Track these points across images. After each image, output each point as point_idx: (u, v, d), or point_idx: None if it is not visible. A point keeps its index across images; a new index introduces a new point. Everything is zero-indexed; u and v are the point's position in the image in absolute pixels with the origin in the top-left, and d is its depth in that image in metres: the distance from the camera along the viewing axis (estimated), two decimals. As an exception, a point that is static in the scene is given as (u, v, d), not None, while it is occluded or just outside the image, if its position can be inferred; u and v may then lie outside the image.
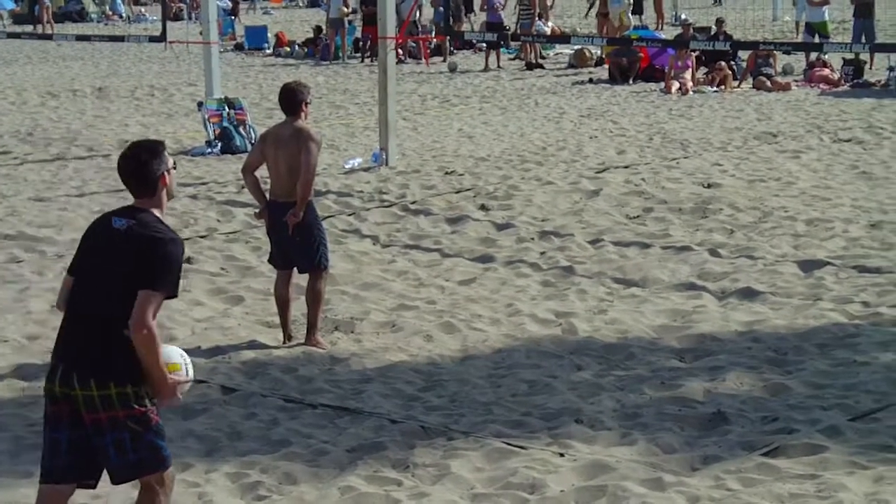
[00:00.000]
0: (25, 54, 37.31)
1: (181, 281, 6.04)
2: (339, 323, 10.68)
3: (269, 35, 39.30)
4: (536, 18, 33.08)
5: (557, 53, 33.89)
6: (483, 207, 15.11)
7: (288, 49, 37.18)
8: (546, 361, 9.67)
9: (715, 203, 14.88)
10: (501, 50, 32.49)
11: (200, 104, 20.78)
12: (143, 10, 54.85)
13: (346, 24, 35.82)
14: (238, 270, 12.48)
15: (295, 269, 10.22)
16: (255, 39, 39.04)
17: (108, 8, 54.62)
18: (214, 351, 9.88)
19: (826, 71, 26.62)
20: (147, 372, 5.87)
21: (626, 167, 17.47)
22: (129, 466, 5.94)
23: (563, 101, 25.09)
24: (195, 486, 7.52)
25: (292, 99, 10.17)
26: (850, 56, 26.65)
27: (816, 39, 27.84)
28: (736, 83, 26.43)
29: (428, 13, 37.83)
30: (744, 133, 20.30)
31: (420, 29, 35.04)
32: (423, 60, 31.29)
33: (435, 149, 19.57)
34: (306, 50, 36.48)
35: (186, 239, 13.61)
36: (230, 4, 45.46)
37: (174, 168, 6.07)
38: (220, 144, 19.64)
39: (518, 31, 31.79)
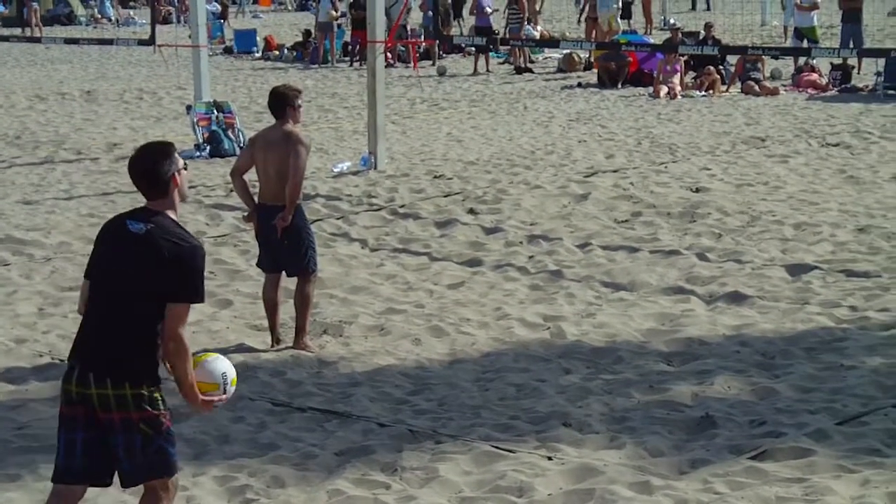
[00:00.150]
0: (13, 57, 37.31)
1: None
2: (328, 326, 10.68)
3: (258, 38, 39.34)
4: (525, 23, 33.12)
5: (546, 58, 33.95)
6: (472, 211, 15.12)
7: (277, 53, 37.21)
8: (534, 365, 9.68)
9: (703, 207, 14.90)
10: (490, 54, 32.54)
11: (189, 108, 20.77)
12: (131, 13, 54.89)
13: (336, 28, 35.82)
14: (226, 274, 12.48)
15: (283, 272, 10.22)
16: (245, 43, 39.06)
17: (96, 11, 54.65)
18: (203, 353, 9.85)
19: (814, 76, 26.68)
20: (177, 382, 5.94)
21: (614, 171, 17.49)
22: (137, 469, 5.95)
23: (551, 106, 25.12)
24: (183, 489, 7.49)
25: (280, 102, 10.17)
26: (838, 61, 26.72)
27: (805, 44, 27.91)
28: (724, 87, 26.48)
29: (417, 17, 37.82)
30: (732, 137, 20.33)
31: (409, 33, 35.04)
32: (413, 65, 31.28)
33: (424, 153, 19.58)
34: (295, 53, 36.51)
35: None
36: (219, 8, 45.52)
37: (185, 169, 6.08)
38: (208, 148, 19.64)
39: (507, 36, 31.81)
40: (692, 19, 41.17)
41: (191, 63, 21.19)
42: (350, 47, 35.10)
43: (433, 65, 32.97)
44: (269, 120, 10.70)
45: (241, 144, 18.73)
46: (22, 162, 19.48)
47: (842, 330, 10.36)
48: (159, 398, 5.92)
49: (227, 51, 39.09)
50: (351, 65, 34.07)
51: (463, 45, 34.10)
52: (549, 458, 7.81)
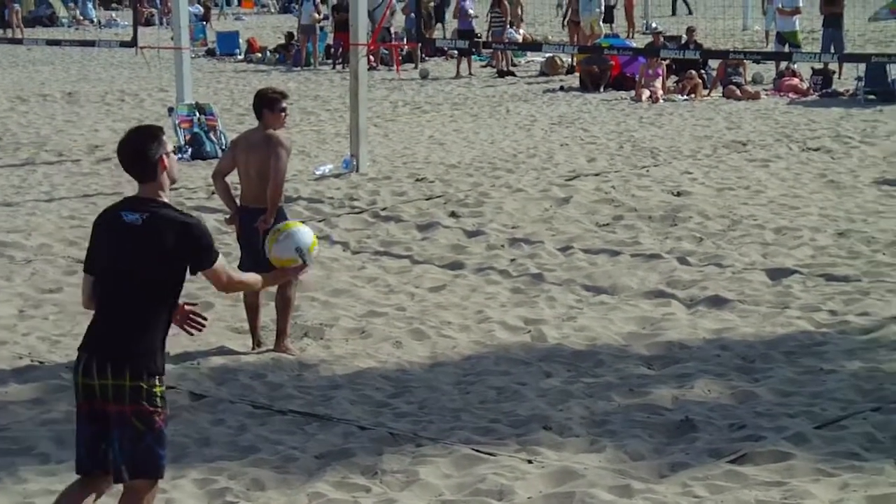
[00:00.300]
0: (-5, 59, 37.25)
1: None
2: (309, 329, 10.69)
3: (240, 41, 39.32)
4: (508, 26, 33.16)
5: (529, 61, 33.98)
6: (453, 214, 15.13)
7: (259, 55, 37.20)
8: (515, 368, 9.69)
9: (684, 211, 14.93)
10: (473, 57, 32.57)
11: (171, 109, 20.75)
12: (113, 15, 54.78)
13: (318, 31, 35.87)
14: (208, 276, 12.45)
15: (265, 274, 10.21)
16: (227, 45, 39.05)
17: (78, 13, 54.55)
18: (183, 357, 9.84)
19: (795, 80, 26.75)
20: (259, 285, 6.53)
21: (596, 175, 17.51)
22: (125, 465, 5.95)
23: (533, 109, 25.15)
24: (162, 491, 7.47)
25: (261, 105, 10.19)
26: (819, 66, 26.81)
27: (786, 49, 27.96)
28: (706, 92, 26.53)
29: (399, 20, 37.83)
30: (713, 141, 20.37)
31: (392, 36, 35.08)
32: (395, 67, 31.32)
33: (406, 155, 19.59)
34: (278, 56, 36.50)
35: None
36: (202, 10, 45.48)
37: (173, 152, 6.12)
38: (190, 150, 19.62)
39: (489, 39, 31.87)
40: (674, 23, 41.25)
41: (173, 65, 21.19)
42: (332, 50, 35.10)
43: (416, 68, 32.98)
44: (251, 122, 10.71)
45: (223, 147, 18.72)
46: (2, 163, 19.45)
47: (821, 334, 10.40)
48: (158, 395, 5.95)
49: (210, 53, 39.07)
50: (333, 67, 34.07)
51: (445, 49, 34.15)
52: (530, 462, 7.82)
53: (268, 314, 10.43)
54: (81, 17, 53.97)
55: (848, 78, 26.91)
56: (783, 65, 27.59)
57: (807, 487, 7.32)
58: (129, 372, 5.86)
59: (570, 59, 31.12)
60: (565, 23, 38.34)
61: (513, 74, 31.71)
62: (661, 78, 26.54)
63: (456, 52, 32.66)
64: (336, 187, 16.99)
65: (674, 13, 49.27)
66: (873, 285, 11.71)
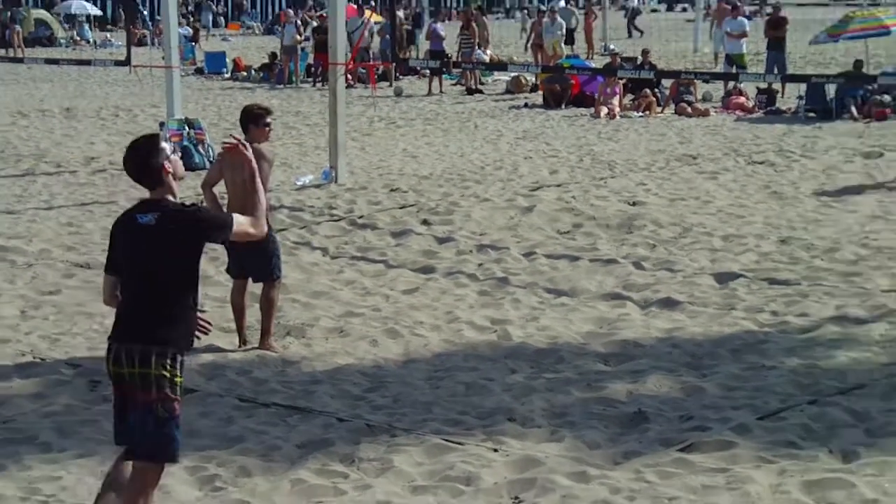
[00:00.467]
0: (-3, 76, 37.09)
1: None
2: (291, 328, 10.70)
3: (227, 60, 39.21)
4: (476, 47, 33.21)
5: (496, 80, 34.01)
6: (425, 222, 15.15)
7: (245, 73, 37.13)
8: (482, 365, 9.73)
9: (639, 220, 14.97)
10: (444, 76, 32.58)
11: (162, 124, 20.72)
12: (108, 35, 54.60)
13: (299, 51, 35.81)
14: (197, 279, 12.45)
15: (250, 278, 10.25)
16: (215, 64, 38.96)
17: (75, 34, 54.33)
18: (175, 354, 9.85)
19: (742, 99, 26.83)
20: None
21: (557, 186, 17.56)
22: (144, 447, 6.01)
23: (500, 124, 25.17)
24: (156, 478, 7.53)
25: (247, 120, 10.25)
26: (763, 85, 26.91)
27: (734, 70, 28.07)
28: (659, 109, 26.58)
29: (376, 42, 37.81)
30: (666, 155, 20.43)
31: (371, 56, 35.06)
32: (371, 85, 31.32)
33: (381, 167, 19.61)
34: (262, 74, 36.46)
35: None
36: (191, 31, 45.38)
37: (174, 153, 6.21)
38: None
39: (459, 59, 31.88)
40: (630, 46, 41.35)
41: (164, 83, 21.12)
42: (313, 69, 35.05)
43: (390, 86, 32.98)
44: (238, 135, 10.70)
45: (211, 158, 18.71)
46: (5, 174, 19.39)
47: (764, 333, 10.46)
48: (179, 385, 6.01)
49: (199, 71, 38.96)
50: (314, 85, 34.04)
51: (418, 68, 34.14)
52: (495, 451, 7.85)
53: (253, 315, 10.45)
54: (78, 38, 53.76)
55: (790, 97, 27.01)
56: (731, 84, 27.69)
57: (749, 473, 7.38)
58: (154, 361, 5.92)
59: (533, 79, 31.17)
60: (529, 44, 38.49)
61: (481, 92, 31.75)
62: (618, 96, 26.61)
63: (428, 71, 32.68)
64: (316, 197, 17.00)
65: (630, 36, 49.40)
66: (812, 288, 11.79)
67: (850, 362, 9.61)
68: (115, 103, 29.57)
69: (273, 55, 37.27)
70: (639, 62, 28.95)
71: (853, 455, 7.70)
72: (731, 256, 13.16)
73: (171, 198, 6.11)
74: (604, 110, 25.95)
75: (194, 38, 45.65)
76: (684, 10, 65.70)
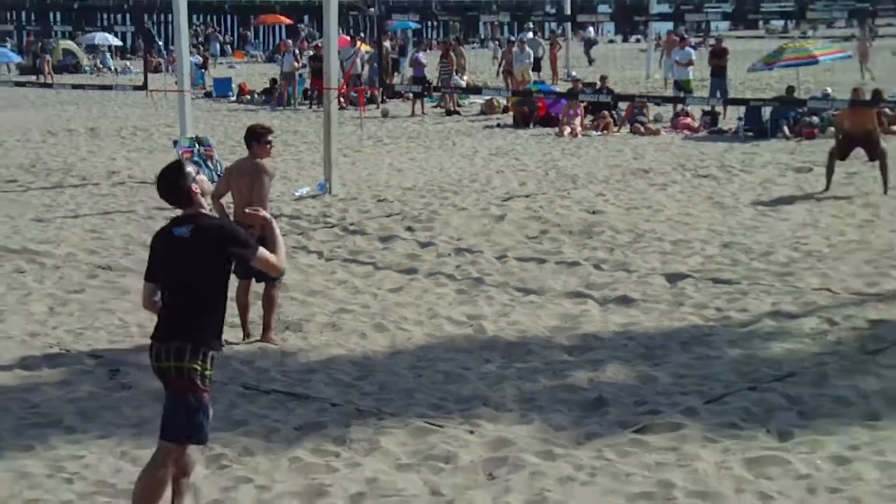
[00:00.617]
0: (29, 100, 36.92)
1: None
2: (290, 323, 10.67)
3: (233, 85, 39.13)
4: (454, 74, 33.21)
5: (471, 102, 33.94)
6: (409, 229, 15.13)
7: (249, 97, 37.03)
8: (459, 356, 9.71)
9: (598, 226, 14.98)
10: (425, 99, 32.55)
11: (175, 142, 20.65)
12: (128, 63, 54.42)
13: (297, 77, 35.74)
14: (206, 280, 12.41)
15: (253, 279, 10.21)
16: (222, 88, 38.86)
17: (99, 62, 54.16)
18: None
19: (689, 120, 26.87)
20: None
21: (526, 196, 17.56)
22: (176, 430, 6.06)
23: (475, 142, 25.16)
24: (169, 457, 7.49)
25: (251, 138, 10.25)
26: (707, 108, 26.95)
27: (682, 94, 28.11)
28: (616, 129, 26.60)
29: (365, 70, 37.73)
30: (622, 169, 20.45)
31: (362, 82, 35.01)
32: (360, 108, 31.31)
33: (370, 180, 19.58)
34: (264, 98, 36.35)
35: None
36: (201, 59, 45.25)
37: (198, 174, 6.21)
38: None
39: (439, 84, 31.87)
40: (590, 72, 41.39)
41: (177, 105, 21.08)
42: (309, 93, 34.96)
43: (378, 108, 32.94)
44: (242, 152, 10.70)
45: (219, 173, 18.64)
46: (36, 186, 19.33)
47: (709, 327, 10.47)
48: (209, 377, 6.05)
49: (207, 95, 38.82)
50: (310, 107, 33.94)
51: (402, 92, 34.10)
52: (471, 432, 7.84)
53: (256, 311, 10.42)
54: (101, 66, 53.57)
55: (731, 118, 27.05)
56: (679, 107, 27.73)
57: (696, 452, 7.39)
58: (188, 356, 5.96)
59: (505, 101, 31.15)
60: (501, 71, 38.48)
61: (458, 113, 31.71)
62: (579, 117, 26.62)
63: (411, 94, 32.63)
64: (312, 206, 16.97)
65: (590, 64, 49.44)
66: (750, 287, 11.80)
67: (785, 352, 9.63)
68: (134, 123, 29.48)
69: (274, 81, 37.19)
70: (598, 87, 28.96)
71: (788, 435, 7.71)
72: (679, 259, 13.17)
73: (203, 211, 6.15)
74: (567, 129, 25.96)
75: (204, 66, 45.51)
76: (638, 40, 65.81)
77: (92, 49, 55.65)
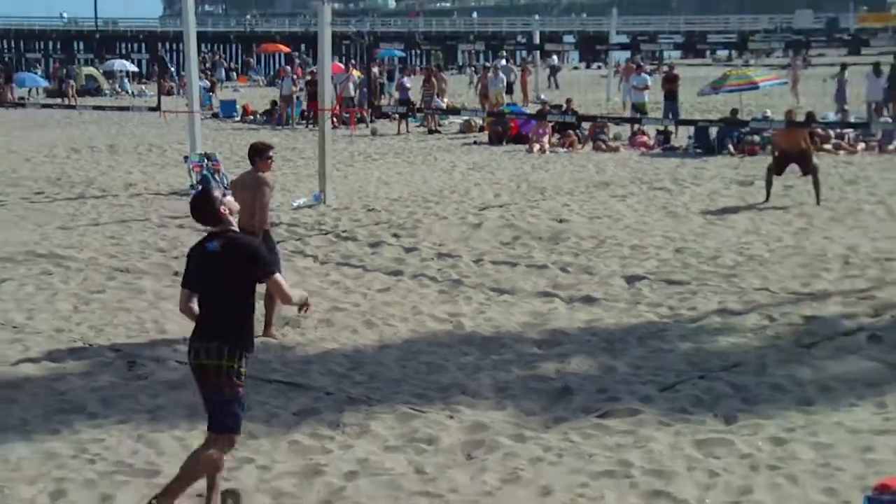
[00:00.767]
0: (55, 120, 36.74)
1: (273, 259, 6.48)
2: (289, 320, 10.63)
3: (237, 106, 38.99)
4: (435, 96, 33.21)
5: (451, 122, 33.89)
6: (395, 235, 15.12)
7: (251, 117, 36.93)
8: (441, 349, 9.71)
9: (565, 233, 14.99)
10: (410, 119, 32.53)
11: (186, 157, 20.63)
12: (143, 87, 54.26)
13: (295, 99, 35.66)
14: (214, 281, 12.38)
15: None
16: (227, 109, 38.72)
17: (117, 86, 53.97)
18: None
19: (645, 138, 26.89)
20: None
21: (500, 206, 17.56)
22: (215, 421, 6.14)
23: (454, 158, 25.14)
24: (181, 440, 7.48)
25: (254, 153, 10.26)
26: (661, 128, 27.00)
27: (638, 115, 28.14)
28: (580, 146, 26.60)
29: (356, 94, 37.67)
30: (586, 182, 20.47)
31: (355, 103, 34.95)
32: (352, 127, 31.25)
33: (360, 192, 19.55)
34: (265, 118, 36.25)
35: (175, 258, 13.56)
36: (209, 84, 45.12)
37: (225, 196, 6.33)
38: (200, 187, 19.44)
39: (422, 106, 31.84)
40: (557, 96, 41.40)
41: (187, 124, 21.04)
42: (306, 114, 34.87)
43: (367, 127, 32.89)
44: (246, 166, 10.68)
45: (225, 185, 18.58)
46: (61, 197, 19.25)
47: (663, 323, 10.49)
48: (243, 373, 6.14)
49: (215, 116, 38.64)
50: (306, 126, 33.80)
51: (389, 113, 34.05)
52: (451, 417, 7.85)
53: (258, 309, 10.35)
54: (119, 89, 53.38)
55: (682, 137, 27.09)
56: (636, 126, 27.74)
57: (651, 434, 7.41)
58: (226, 355, 6.06)
59: (481, 121, 31.16)
60: (478, 94, 38.47)
61: (439, 132, 31.68)
62: (547, 135, 26.62)
63: (397, 115, 32.58)
64: (308, 215, 16.94)
65: (557, 87, 49.46)
66: (700, 288, 11.83)
67: (730, 346, 9.66)
68: (149, 141, 29.37)
69: (274, 103, 37.06)
70: (564, 109, 28.97)
71: (733, 419, 7.74)
72: (636, 262, 13.19)
73: (232, 228, 6.23)
74: (536, 147, 25.98)
75: (211, 89, 45.38)
76: (599, 67, 65.86)
77: (111, 74, 55.47)
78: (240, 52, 77.98)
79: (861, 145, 24.38)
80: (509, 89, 39.64)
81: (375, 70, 39.07)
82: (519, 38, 71.84)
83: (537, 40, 46.73)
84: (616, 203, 17.84)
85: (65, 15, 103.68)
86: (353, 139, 28.49)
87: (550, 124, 27.02)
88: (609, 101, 40.63)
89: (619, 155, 25.25)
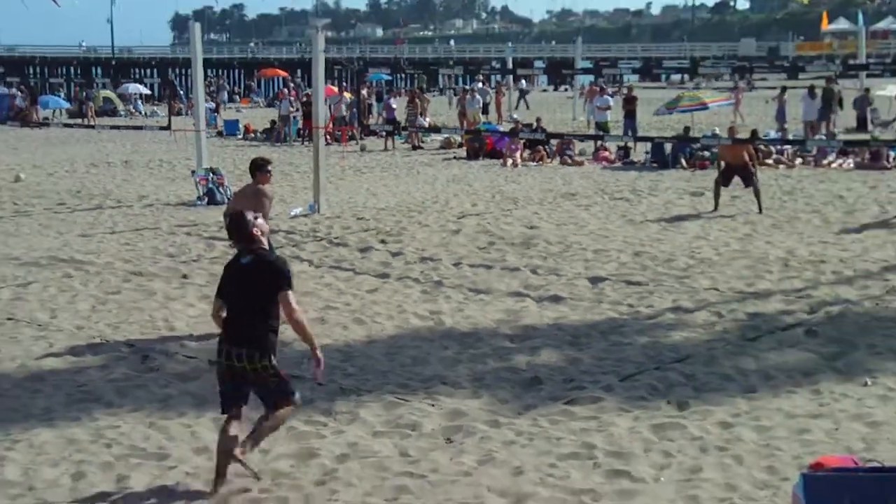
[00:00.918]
0: (76, 138, 36.52)
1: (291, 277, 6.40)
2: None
3: (240, 126, 38.89)
4: (419, 116, 33.22)
5: (432, 139, 33.90)
6: (382, 241, 15.11)
7: (252, 135, 36.81)
8: (423, 344, 9.70)
9: (535, 239, 15.01)
10: (395, 136, 32.52)
11: (193, 172, 20.57)
12: (155, 108, 54.06)
13: (292, 119, 35.59)
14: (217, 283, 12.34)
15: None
16: (231, 128, 38.59)
17: (132, 107, 53.76)
18: (202, 337, 9.78)
19: (607, 153, 26.94)
20: (304, 338, 6.44)
21: (477, 215, 17.56)
22: (271, 397, 6.38)
23: (435, 171, 25.15)
24: (188, 426, 7.47)
25: (254, 168, 10.23)
26: (621, 144, 27.08)
27: (601, 133, 28.20)
28: (549, 160, 26.65)
29: (347, 115, 37.62)
30: (554, 193, 20.49)
31: (346, 122, 34.90)
32: (343, 144, 31.20)
33: (351, 202, 19.53)
34: (265, 136, 36.16)
35: (183, 262, 13.52)
36: (214, 105, 44.96)
37: (257, 218, 6.52)
38: (206, 199, 19.45)
39: (407, 125, 31.83)
40: (528, 115, 41.44)
41: (195, 142, 20.98)
42: (302, 132, 34.80)
43: (357, 144, 32.85)
44: (247, 179, 10.65)
45: (229, 196, 18.54)
46: (81, 208, 19.15)
47: (623, 320, 10.50)
48: (276, 366, 6.34)
49: (219, 134, 38.49)
50: (302, 143, 33.71)
51: (377, 131, 34.04)
52: (433, 405, 7.85)
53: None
54: (133, 110, 53.14)
55: (640, 152, 27.17)
56: (598, 143, 27.83)
57: (613, 420, 7.43)
58: (258, 357, 6.25)
59: (459, 139, 31.18)
60: (457, 114, 38.49)
61: (422, 148, 31.66)
62: (519, 151, 26.65)
63: (384, 133, 32.58)
64: (304, 223, 16.91)
65: (528, 108, 49.49)
66: (656, 288, 11.86)
67: (683, 340, 9.69)
68: (160, 157, 29.27)
69: (273, 122, 36.95)
70: (534, 127, 28.98)
71: (685, 405, 7.77)
72: (599, 265, 13.22)
73: (262, 247, 6.42)
74: (509, 161, 26.00)
75: (216, 110, 45.18)
76: (566, 89, 65.96)
77: (126, 97, 55.22)
78: (242, 76, 77.71)
79: (798, 160, 24.52)
80: (485, 109, 39.67)
81: (364, 92, 39.04)
82: (494, 63, 71.88)
83: (510, 65, 46.76)
84: (581, 212, 17.88)
85: (84, 44, 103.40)
86: (345, 155, 28.45)
87: (522, 141, 27.08)
88: (575, 120, 40.67)
89: (584, 168, 25.30)
